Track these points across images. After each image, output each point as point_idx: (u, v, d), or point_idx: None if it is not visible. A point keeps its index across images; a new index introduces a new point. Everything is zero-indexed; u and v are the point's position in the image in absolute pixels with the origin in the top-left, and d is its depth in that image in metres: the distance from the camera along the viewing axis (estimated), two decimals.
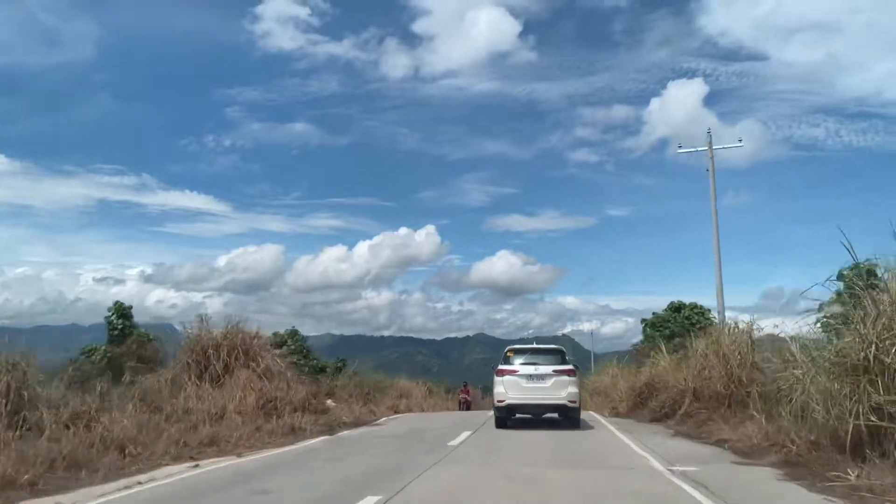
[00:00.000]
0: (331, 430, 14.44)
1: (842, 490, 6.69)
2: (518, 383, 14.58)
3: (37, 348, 11.21)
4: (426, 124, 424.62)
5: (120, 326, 20.49)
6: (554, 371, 14.57)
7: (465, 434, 13.06)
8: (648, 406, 17.27)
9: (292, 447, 11.55)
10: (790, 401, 9.73)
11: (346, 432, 14.18)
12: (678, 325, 25.51)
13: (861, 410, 7.49)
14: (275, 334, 29.25)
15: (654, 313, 27.58)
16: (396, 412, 20.82)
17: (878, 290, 8.59)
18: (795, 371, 9.60)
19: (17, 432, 9.12)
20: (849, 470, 7.08)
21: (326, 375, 26.54)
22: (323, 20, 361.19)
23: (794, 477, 7.65)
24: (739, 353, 14.26)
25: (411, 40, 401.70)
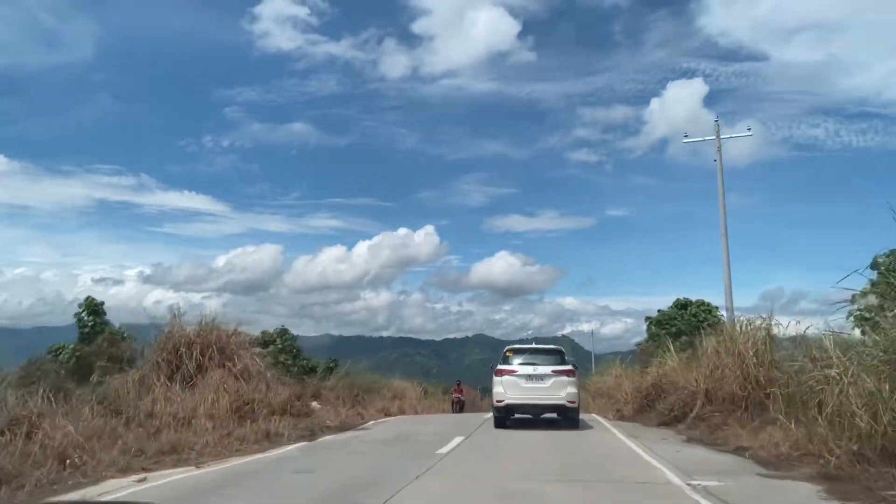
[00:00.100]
0: (311, 435, 13.27)
1: None
2: (517, 383, 14.46)
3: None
4: (425, 124, 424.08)
5: (91, 324, 19.29)
6: (553, 371, 14.45)
7: (456, 440, 11.88)
8: (656, 409, 16.08)
9: (263, 455, 10.37)
10: (823, 404, 8.58)
11: (328, 437, 13.01)
12: (685, 323, 24.34)
13: None
14: (263, 333, 28.21)
15: (659, 310, 26.42)
16: (387, 415, 19.63)
17: None
18: (829, 370, 8.43)
19: None
20: None
21: (316, 376, 25.42)
22: (322, 20, 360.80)
23: (840, 495, 6.45)
24: (756, 351, 13.10)
25: (410, 40, 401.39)
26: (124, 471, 8.57)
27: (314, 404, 17.80)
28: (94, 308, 19.59)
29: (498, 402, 14.67)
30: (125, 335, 18.16)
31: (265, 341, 27.21)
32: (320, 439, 12.68)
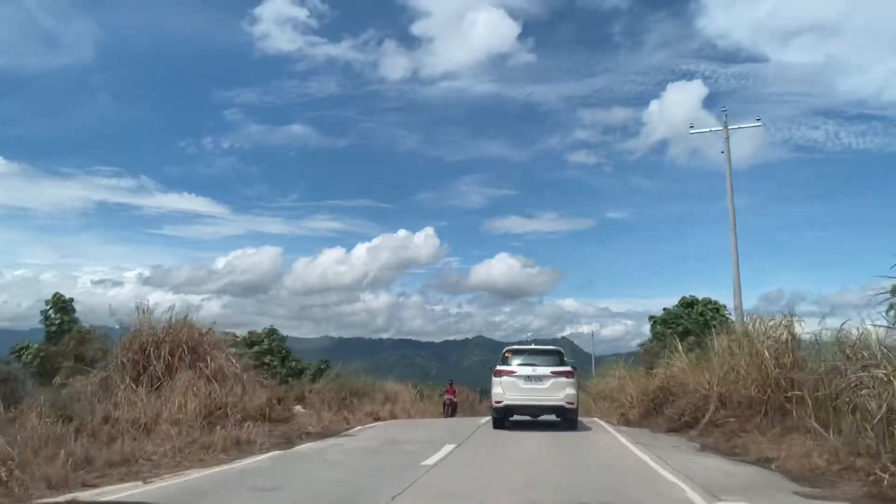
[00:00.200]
0: (288, 442, 12.10)
1: None
2: (516, 384, 14.35)
3: None
4: (425, 126, 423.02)
5: (58, 322, 18.08)
6: (552, 372, 14.31)
7: (446, 448, 10.70)
8: (664, 413, 14.92)
9: (227, 467, 9.20)
10: (864, 410, 7.43)
11: (305, 445, 11.83)
12: (692, 322, 23.16)
13: None
14: (251, 333, 27.04)
15: (664, 309, 25.22)
16: (377, 419, 18.45)
17: None
18: (875, 370, 7.28)
19: None
20: None
21: (306, 378, 24.25)
22: (321, 22, 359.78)
23: None
24: (776, 350, 11.95)
25: (410, 42, 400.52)
26: (58, 487, 7.42)
27: (297, 408, 16.64)
28: (61, 305, 18.34)
29: (497, 402, 14.56)
30: (95, 334, 16.96)
31: (252, 342, 26.08)
32: (297, 448, 11.50)
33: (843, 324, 10.15)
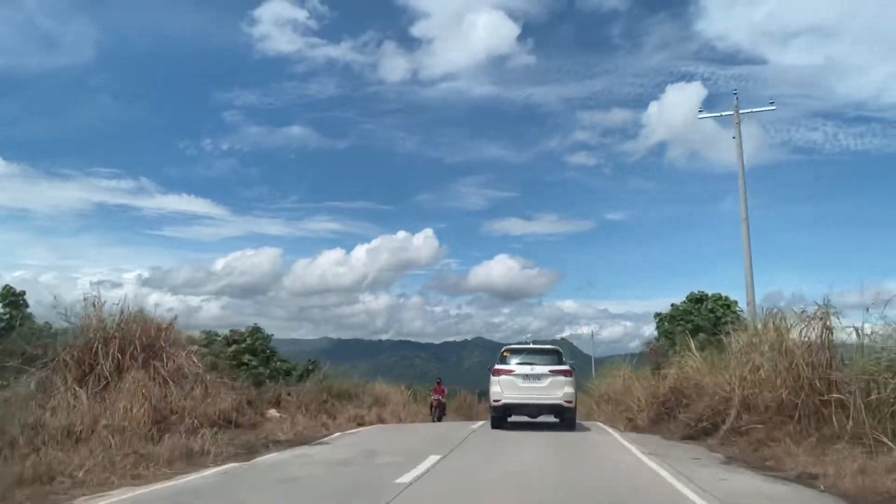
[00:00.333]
0: (250, 453, 10.56)
1: None
2: (514, 383, 14.28)
3: None
4: (424, 127, 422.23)
5: (6, 317, 16.50)
6: (550, 371, 14.27)
7: (429, 461, 9.17)
8: (677, 418, 13.39)
9: (163, 485, 7.69)
10: None
11: (269, 456, 10.28)
12: (703, 318, 21.62)
13: None
14: (232, 332, 25.49)
15: (672, 304, 23.64)
16: (360, 424, 16.91)
17: None
18: None
19: None
20: None
21: (293, 379, 22.72)
22: (321, 23, 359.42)
23: None
24: (809, 347, 10.42)
25: (410, 43, 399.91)
26: None
27: (271, 413, 15.12)
28: (11, 298, 16.74)
29: (495, 401, 14.48)
30: (46, 331, 15.36)
31: (234, 340, 24.56)
32: (257, 459, 9.95)
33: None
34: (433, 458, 9.40)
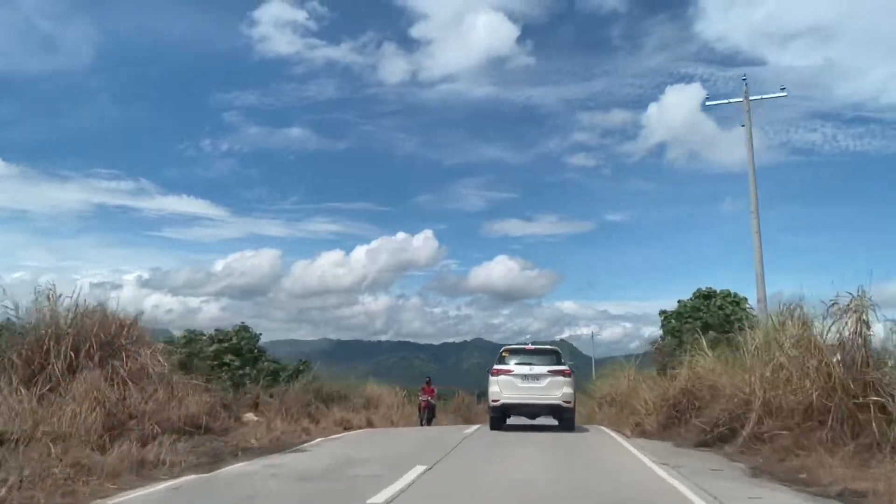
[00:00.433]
0: (215, 462, 9.43)
1: None
2: (513, 383, 14.27)
3: None
4: (424, 129, 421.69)
5: None
6: (549, 371, 14.27)
7: (412, 473, 8.03)
8: (689, 423, 12.25)
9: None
10: None
11: (235, 467, 9.15)
12: (712, 315, 20.46)
13: None
14: (217, 331, 24.33)
15: (679, 301, 22.47)
16: (347, 428, 15.76)
17: None
18: None
19: None
20: None
21: (282, 380, 21.56)
22: (321, 24, 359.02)
23: None
24: (842, 344, 9.29)
25: (409, 45, 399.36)
26: None
27: (248, 416, 13.96)
28: None
29: (494, 401, 14.45)
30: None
31: (219, 339, 23.39)
32: (220, 471, 8.81)
33: None
34: (417, 470, 8.26)
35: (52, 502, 6.68)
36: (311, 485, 7.52)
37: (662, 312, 23.12)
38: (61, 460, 8.06)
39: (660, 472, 8.38)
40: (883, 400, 8.30)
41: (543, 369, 14.24)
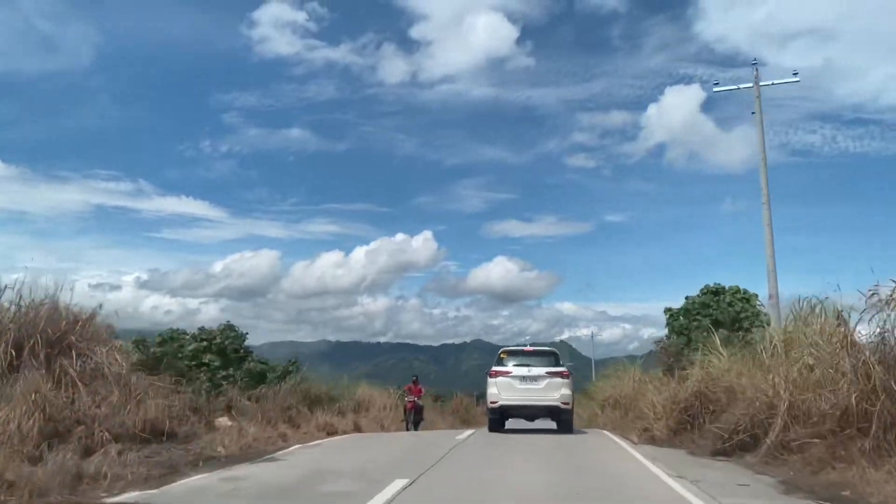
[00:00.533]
0: (170, 474, 8.30)
1: None
2: (511, 384, 14.30)
3: None
4: (423, 130, 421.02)
5: None
6: (547, 373, 14.33)
7: (391, 488, 6.89)
8: (703, 428, 11.12)
9: None
10: None
11: (191, 480, 8.00)
12: (722, 312, 19.33)
13: None
14: (201, 329, 23.17)
15: (686, 297, 21.30)
16: (332, 433, 14.63)
17: None
18: None
19: None
20: None
21: (271, 381, 20.43)
22: (320, 25, 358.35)
23: None
24: (884, 342, 8.17)
25: (409, 45, 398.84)
26: None
27: (222, 421, 12.81)
28: None
29: (492, 402, 14.51)
30: None
31: (203, 338, 22.22)
32: (173, 484, 7.67)
33: None
34: (396, 485, 7.11)
35: None
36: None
37: (668, 310, 21.98)
38: None
39: (677, 487, 7.24)
40: None
41: (542, 371, 14.28)
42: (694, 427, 11.51)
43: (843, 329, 8.61)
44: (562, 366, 14.83)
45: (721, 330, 16.66)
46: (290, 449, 11.37)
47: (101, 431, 9.08)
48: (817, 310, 10.58)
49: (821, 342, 8.91)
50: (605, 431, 15.97)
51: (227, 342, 22.78)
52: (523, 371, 14.33)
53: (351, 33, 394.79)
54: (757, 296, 20.34)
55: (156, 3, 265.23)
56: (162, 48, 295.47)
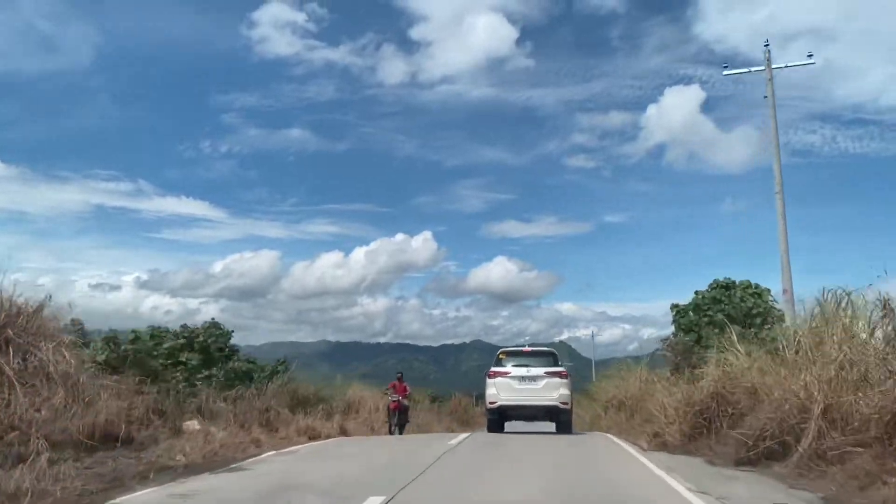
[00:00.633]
0: (111, 488, 7.18)
1: None
2: (510, 385, 14.34)
3: None
4: (423, 130, 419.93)
5: None
6: (546, 373, 14.36)
7: None
8: (721, 433, 9.98)
9: None
10: None
11: (133, 496, 6.87)
12: (735, 308, 18.17)
13: None
14: (183, 327, 22.05)
15: (696, 292, 20.12)
16: (312, 437, 13.50)
17: None
18: None
19: None
20: None
21: (259, 381, 19.31)
22: (320, 26, 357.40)
23: None
24: None
25: (408, 46, 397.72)
26: None
27: (191, 424, 11.66)
28: None
29: (491, 403, 14.56)
30: None
31: (184, 336, 21.10)
32: (112, 502, 6.54)
33: None
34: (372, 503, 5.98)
35: None
36: None
37: (674, 306, 20.82)
38: None
39: None
40: None
41: (540, 371, 14.30)
42: (710, 432, 10.36)
43: (890, 322, 7.46)
44: (560, 366, 14.87)
45: (735, 326, 15.52)
46: (262, 456, 10.22)
47: (38, 438, 7.98)
48: (843, 303, 9.57)
49: (863, 336, 7.76)
50: (610, 435, 14.84)
51: (210, 340, 21.67)
52: (522, 371, 14.34)
53: (351, 34, 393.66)
54: (769, 291, 19.21)
55: (156, 3, 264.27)
56: (162, 48, 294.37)
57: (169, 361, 17.11)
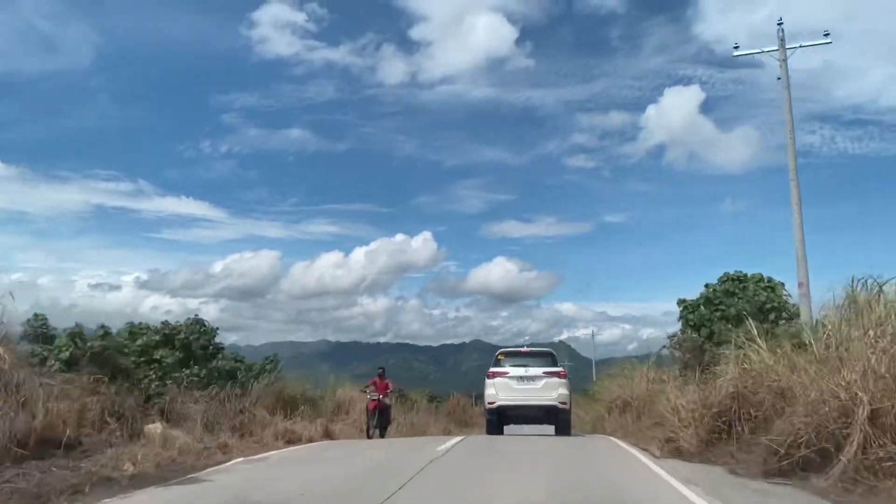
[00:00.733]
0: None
1: None
2: (509, 385, 14.35)
3: None
4: (423, 130, 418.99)
5: None
6: (544, 373, 14.38)
7: None
8: (744, 439, 8.84)
9: None
10: None
11: None
12: (749, 302, 17.03)
13: None
14: (164, 324, 20.93)
15: (706, 285, 18.93)
16: (291, 441, 12.37)
17: None
18: None
19: None
20: None
21: (246, 380, 18.22)
22: (320, 26, 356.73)
23: None
24: None
25: (408, 46, 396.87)
26: None
27: (153, 427, 10.52)
28: None
29: (490, 403, 14.58)
30: None
31: (165, 333, 19.98)
32: None
33: None
34: None
35: None
36: None
37: (682, 301, 19.64)
38: None
39: None
40: None
41: (539, 371, 14.33)
42: (731, 437, 9.20)
43: None
44: (559, 366, 14.90)
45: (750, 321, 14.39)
46: (228, 464, 9.09)
47: None
48: (874, 293, 8.54)
49: None
50: (615, 439, 13.70)
51: (192, 337, 20.55)
52: (521, 371, 14.33)
53: (351, 34, 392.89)
54: (783, 284, 18.06)
55: (156, 3, 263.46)
56: (162, 48, 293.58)
57: (142, 359, 15.98)
